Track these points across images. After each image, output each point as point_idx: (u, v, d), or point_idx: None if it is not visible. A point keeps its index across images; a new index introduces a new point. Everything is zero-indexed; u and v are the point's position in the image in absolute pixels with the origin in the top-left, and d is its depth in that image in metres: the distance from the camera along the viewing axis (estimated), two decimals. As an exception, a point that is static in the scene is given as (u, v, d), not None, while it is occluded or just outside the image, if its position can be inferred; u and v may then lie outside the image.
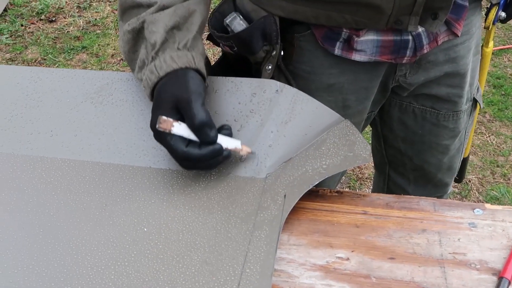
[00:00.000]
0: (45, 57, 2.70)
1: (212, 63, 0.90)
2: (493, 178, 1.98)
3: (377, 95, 0.91)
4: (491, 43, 0.98)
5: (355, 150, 0.70)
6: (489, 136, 2.16)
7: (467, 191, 1.92)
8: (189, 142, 0.68)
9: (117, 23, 2.93)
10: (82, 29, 2.91)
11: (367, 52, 0.80)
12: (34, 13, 3.04)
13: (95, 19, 2.99)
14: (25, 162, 0.74)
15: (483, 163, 2.04)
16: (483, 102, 1.02)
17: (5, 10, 3.03)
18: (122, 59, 2.67)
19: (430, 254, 0.62)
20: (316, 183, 0.67)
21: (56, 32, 2.90)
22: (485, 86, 2.30)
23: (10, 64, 2.63)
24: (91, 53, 2.73)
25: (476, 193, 1.92)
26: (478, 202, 1.86)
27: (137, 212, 0.67)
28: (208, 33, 0.88)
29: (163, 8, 0.73)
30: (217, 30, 0.84)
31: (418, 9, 0.74)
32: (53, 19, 3.00)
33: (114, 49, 2.75)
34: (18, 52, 2.74)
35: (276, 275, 0.60)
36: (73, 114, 0.79)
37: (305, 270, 0.61)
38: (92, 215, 0.67)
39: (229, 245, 0.62)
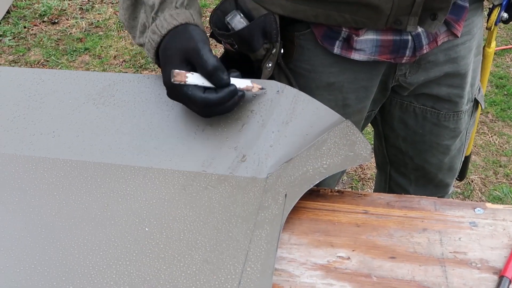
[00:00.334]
0: (47, 59, 2.70)
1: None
2: (496, 178, 1.97)
3: (377, 94, 0.91)
4: (493, 44, 0.98)
5: (356, 149, 0.71)
6: (491, 136, 2.16)
7: (469, 191, 1.92)
8: (205, 89, 0.70)
9: (120, 25, 2.94)
10: (84, 31, 2.92)
11: (367, 52, 0.80)
12: (37, 15, 3.05)
13: (98, 21, 3.00)
14: (27, 163, 0.74)
15: (485, 163, 2.03)
16: (485, 102, 1.02)
17: (8, 12, 3.05)
18: (124, 61, 2.68)
19: (431, 253, 0.62)
20: (317, 182, 0.67)
21: (59, 34, 2.91)
22: (487, 86, 2.30)
23: (13, 66, 2.64)
24: (93, 54, 2.74)
25: (479, 193, 1.91)
26: (480, 202, 1.85)
27: (139, 212, 0.67)
28: (211, 30, 0.89)
29: None
30: (218, 28, 0.84)
31: (417, 9, 0.74)
32: (56, 21, 3.01)
33: (116, 51, 2.75)
34: (21, 54, 2.75)
35: (277, 274, 0.60)
36: (75, 115, 0.80)
37: (306, 270, 0.61)
38: (93, 215, 0.67)
39: (230, 244, 0.62)
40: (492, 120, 2.24)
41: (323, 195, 0.71)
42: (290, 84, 0.83)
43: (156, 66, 2.62)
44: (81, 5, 3.14)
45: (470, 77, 0.92)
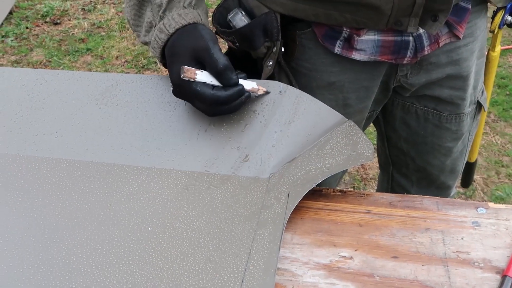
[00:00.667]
0: (50, 59, 2.71)
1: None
2: (498, 178, 1.97)
3: (379, 95, 0.91)
4: (498, 47, 0.97)
5: (358, 149, 0.71)
6: (493, 136, 2.16)
7: (472, 191, 1.92)
8: (213, 87, 0.71)
9: (122, 25, 2.95)
10: (86, 31, 2.93)
11: (367, 52, 0.80)
12: (39, 15, 3.06)
13: (100, 21, 3.00)
14: (30, 163, 0.74)
15: (488, 163, 2.03)
16: (487, 104, 1.01)
17: (10, 13, 3.05)
18: (126, 61, 2.69)
19: (434, 253, 0.62)
20: (319, 181, 0.67)
21: (61, 34, 2.91)
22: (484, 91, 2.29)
23: (16, 66, 2.65)
24: (95, 55, 2.74)
25: (481, 193, 1.91)
26: (483, 202, 1.85)
27: (141, 212, 0.67)
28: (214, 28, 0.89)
29: None
30: (221, 25, 0.85)
31: (417, 10, 0.74)
32: (58, 21, 3.02)
33: (118, 51, 2.76)
34: (24, 54, 2.75)
35: (279, 274, 0.60)
36: (78, 116, 0.80)
37: (309, 269, 0.61)
38: (96, 214, 0.67)
39: (233, 243, 0.63)
40: (494, 120, 2.24)
41: (326, 195, 0.71)
42: (290, 83, 0.83)
43: (158, 66, 2.62)
44: (83, 6, 3.15)
45: (473, 80, 0.92)
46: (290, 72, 0.84)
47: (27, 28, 2.95)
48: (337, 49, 0.81)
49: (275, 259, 0.60)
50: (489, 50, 0.97)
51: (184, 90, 0.72)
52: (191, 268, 0.60)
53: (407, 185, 1.09)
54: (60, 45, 2.83)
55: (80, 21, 3.00)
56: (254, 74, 0.83)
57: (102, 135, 0.77)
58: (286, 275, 0.60)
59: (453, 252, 0.62)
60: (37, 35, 2.91)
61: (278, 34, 0.80)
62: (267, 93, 0.77)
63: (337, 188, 0.82)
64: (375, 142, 1.15)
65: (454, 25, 0.81)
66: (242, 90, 0.72)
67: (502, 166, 2.02)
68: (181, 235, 0.64)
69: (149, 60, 2.68)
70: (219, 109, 0.72)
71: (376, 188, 1.47)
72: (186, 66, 0.70)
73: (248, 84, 0.74)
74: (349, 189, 0.74)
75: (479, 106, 0.98)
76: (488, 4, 0.88)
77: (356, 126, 0.73)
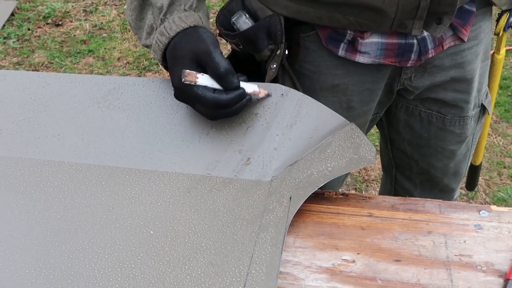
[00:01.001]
0: (51, 61, 2.71)
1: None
2: (500, 180, 1.97)
3: (383, 97, 0.90)
4: (502, 50, 0.96)
5: (360, 152, 0.71)
6: (495, 137, 2.15)
7: (474, 192, 1.92)
8: (214, 90, 0.71)
9: (123, 27, 2.95)
10: (88, 33, 2.93)
11: (371, 55, 0.80)
12: (41, 17, 3.06)
13: (101, 23, 3.01)
14: (32, 166, 0.75)
15: (489, 164, 2.03)
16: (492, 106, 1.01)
17: (12, 14, 3.06)
18: (128, 63, 2.69)
19: (436, 256, 0.62)
20: (321, 185, 0.67)
21: (63, 36, 2.92)
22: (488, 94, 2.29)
23: (18, 68, 2.65)
24: (97, 56, 2.74)
25: (483, 194, 1.91)
26: (485, 203, 1.85)
27: (143, 215, 0.67)
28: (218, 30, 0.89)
29: None
30: (225, 28, 0.85)
31: (422, 13, 0.73)
32: (60, 23, 3.02)
33: (120, 53, 2.76)
34: (25, 56, 2.76)
35: (282, 277, 0.60)
36: (80, 118, 0.80)
37: (311, 273, 0.61)
38: (98, 218, 0.67)
39: (235, 247, 0.63)
40: (496, 121, 2.24)
41: (328, 198, 0.71)
42: (294, 86, 0.83)
43: (159, 68, 2.62)
44: (84, 7, 3.15)
45: (477, 83, 0.92)
46: (294, 75, 0.84)
47: (29, 29, 2.95)
48: (341, 52, 0.81)
49: (277, 263, 0.60)
50: (493, 52, 0.97)
51: (185, 93, 0.72)
52: (193, 272, 0.60)
53: (411, 187, 1.09)
54: (62, 46, 2.83)
55: (81, 23, 3.00)
56: (257, 76, 0.83)
57: (104, 138, 0.77)
58: (289, 279, 0.60)
59: (455, 255, 0.62)
60: (39, 36, 2.91)
61: (282, 36, 0.80)
62: (268, 95, 0.77)
63: (339, 191, 0.81)
64: (377, 144, 1.15)
65: (459, 28, 0.81)
66: (243, 94, 0.72)
67: (504, 167, 2.02)
68: (183, 238, 0.64)
69: (150, 62, 2.68)
70: (220, 112, 0.72)
71: (378, 190, 1.47)
72: (187, 70, 0.70)
73: (249, 87, 0.74)
74: (351, 192, 0.74)
75: (483, 109, 0.97)
76: (493, 6, 0.88)
77: (358, 129, 0.73)
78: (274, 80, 0.83)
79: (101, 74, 2.57)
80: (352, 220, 0.67)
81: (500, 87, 2.40)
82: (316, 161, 0.71)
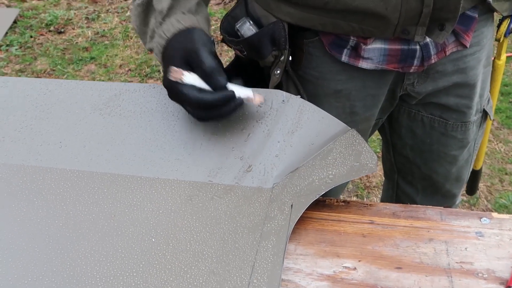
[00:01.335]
0: (54, 68, 2.72)
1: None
2: (502, 186, 1.97)
3: (385, 103, 0.91)
4: (503, 56, 0.97)
5: (361, 160, 0.71)
6: (497, 143, 2.15)
7: (475, 199, 1.91)
8: (201, 90, 0.70)
9: (125, 34, 2.96)
10: (90, 40, 2.94)
11: (374, 60, 0.81)
12: (43, 24, 3.08)
13: (103, 30, 3.02)
14: (34, 173, 0.75)
15: (491, 170, 2.03)
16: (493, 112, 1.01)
17: (14, 22, 3.07)
18: (130, 70, 2.70)
19: (437, 264, 0.62)
20: (323, 193, 0.67)
21: (65, 43, 2.93)
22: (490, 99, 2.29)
23: (20, 75, 2.66)
24: (99, 63, 2.75)
25: (485, 201, 1.91)
26: (487, 210, 1.85)
27: (145, 223, 0.67)
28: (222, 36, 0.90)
29: None
30: (229, 34, 0.85)
31: (424, 19, 0.74)
32: (62, 30, 3.04)
33: (122, 60, 2.77)
34: (28, 63, 2.77)
35: (283, 285, 0.60)
36: (81, 125, 0.80)
37: (312, 280, 0.61)
38: (100, 225, 0.67)
39: (237, 255, 0.63)
40: (498, 127, 2.24)
41: (329, 205, 0.71)
42: (298, 91, 0.83)
43: (162, 74, 2.63)
44: (87, 15, 3.17)
45: (479, 88, 0.92)
46: (298, 80, 0.84)
47: (31, 37, 2.97)
48: (344, 58, 0.82)
49: (278, 272, 0.60)
50: (494, 58, 0.97)
51: (172, 91, 0.72)
52: (195, 281, 0.60)
53: (413, 193, 1.09)
54: (64, 54, 2.84)
55: (84, 30, 3.01)
56: (261, 82, 0.84)
57: (106, 145, 0.78)
58: (290, 286, 0.60)
59: (456, 262, 0.62)
60: (41, 44, 2.92)
61: (286, 43, 0.80)
62: (262, 104, 0.75)
63: (341, 198, 0.81)
64: (378, 151, 1.15)
65: (461, 34, 0.81)
66: (232, 96, 0.70)
67: (506, 173, 2.02)
68: (185, 246, 0.64)
69: (152, 69, 2.69)
70: (208, 113, 0.71)
71: (380, 196, 1.47)
72: (174, 67, 0.70)
73: (243, 92, 0.72)
74: (352, 199, 0.74)
75: (485, 114, 0.98)
76: (494, 13, 0.89)
77: (359, 135, 0.73)
78: (278, 86, 0.83)
79: (103, 81, 2.58)
80: (353, 227, 0.67)
81: (502, 94, 2.40)
82: (317, 168, 0.71)
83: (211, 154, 0.75)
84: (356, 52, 0.81)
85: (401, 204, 0.70)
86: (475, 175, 1.17)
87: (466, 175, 1.07)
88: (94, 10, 3.22)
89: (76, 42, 2.92)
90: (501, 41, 0.92)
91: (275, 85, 0.83)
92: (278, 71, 0.82)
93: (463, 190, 1.14)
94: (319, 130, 0.75)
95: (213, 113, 0.71)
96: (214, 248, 0.64)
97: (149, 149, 0.76)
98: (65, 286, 0.60)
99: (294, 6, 0.78)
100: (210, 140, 0.76)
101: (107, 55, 2.80)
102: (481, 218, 0.67)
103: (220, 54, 2.66)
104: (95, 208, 0.69)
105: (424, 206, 0.70)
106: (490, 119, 1.01)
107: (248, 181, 0.72)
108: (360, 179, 2.01)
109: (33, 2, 3.30)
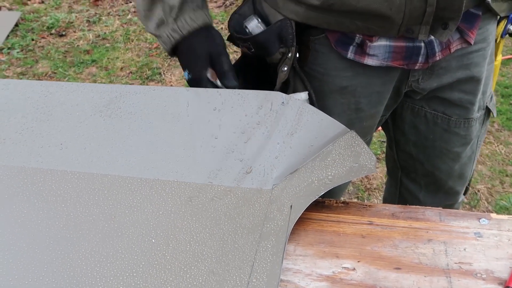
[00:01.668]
0: (55, 71, 2.73)
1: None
2: (502, 188, 1.97)
3: (390, 100, 0.91)
4: (499, 57, 0.97)
5: (361, 161, 0.71)
6: (497, 145, 2.15)
7: (476, 201, 1.91)
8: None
9: (126, 37, 2.97)
10: (91, 43, 2.95)
11: (379, 57, 0.81)
12: (45, 27, 3.09)
13: (105, 33, 3.03)
14: (35, 175, 0.75)
15: (492, 172, 2.03)
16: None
17: (16, 25, 3.08)
18: (131, 72, 2.70)
19: (436, 264, 0.62)
20: (322, 193, 0.68)
21: (66, 46, 2.94)
22: (493, 96, 2.29)
23: (21, 78, 2.67)
24: (100, 66, 2.76)
25: (485, 202, 1.91)
26: (487, 212, 1.85)
27: (145, 224, 0.68)
28: (229, 34, 0.91)
29: None
30: (237, 32, 0.86)
31: (428, 19, 0.75)
32: (63, 33, 3.05)
33: (123, 62, 2.77)
34: (29, 66, 2.78)
35: (282, 285, 0.61)
36: (82, 128, 0.81)
37: (312, 281, 0.61)
38: (101, 226, 0.67)
39: (236, 256, 0.63)
40: (498, 129, 2.24)
41: (328, 206, 0.71)
42: (305, 87, 0.84)
43: (162, 77, 2.64)
44: (88, 18, 3.18)
45: (483, 84, 0.92)
46: (305, 76, 0.85)
47: (32, 40, 2.98)
48: (349, 55, 0.83)
49: (278, 272, 0.60)
50: None
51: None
52: (195, 280, 0.60)
53: (416, 190, 1.09)
54: (65, 56, 2.85)
55: (85, 33, 3.02)
56: (267, 79, 0.85)
57: (106, 147, 0.78)
58: (289, 287, 0.61)
59: (455, 263, 0.62)
60: (42, 47, 2.93)
61: (293, 40, 0.81)
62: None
63: (340, 199, 0.82)
64: (378, 153, 1.15)
65: (465, 31, 0.82)
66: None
67: (506, 175, 2.02)
68: (185, 247, 0.64)
69: (153, 71, 2.69)
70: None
71: (381, 197, 1.47)
72: (211, 70, 0.84)
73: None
74: (352, 200, 0.75)
75: (487, 112, 0.98)
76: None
77: (358, 137, 0.73)
78: (285, 82, 0.84)
79: (104, 83, 2.59)
80: (352, 228, 0.68)
81: (502, 96, 2.41)
82: (316, 170, 0.71)
83: (211, 155, 0.75)
84: (361, 49, 0.82)
85: (400, 205, 0.71)
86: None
87: (469, 173, 1.07)
88: (95, 13, 3.23)
89: (77, 45, 2.93)
90: (497, 41, 0.93)
91: (283, 82, 0.84)
92: (285, 68, 0.83)
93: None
94: (318, 132, 0.75)
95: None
96: (213, 249, 0.64)
97: (149, 150, 0.77)
98: (66, 287, 0.61)
99: (300, 5, 0.79)
100: (210, 142, 0.77)
101: (108, 58, 2.81)
102: (479, 218, 0.67)
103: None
104: (96, 210, 0.70)
105: (423, 207, 0.70)
106: (494, 116, 1.01)
107: (248, 183, 0.72)
108: (361, 181, 2.02)
109: (35, 5, 3.31)
